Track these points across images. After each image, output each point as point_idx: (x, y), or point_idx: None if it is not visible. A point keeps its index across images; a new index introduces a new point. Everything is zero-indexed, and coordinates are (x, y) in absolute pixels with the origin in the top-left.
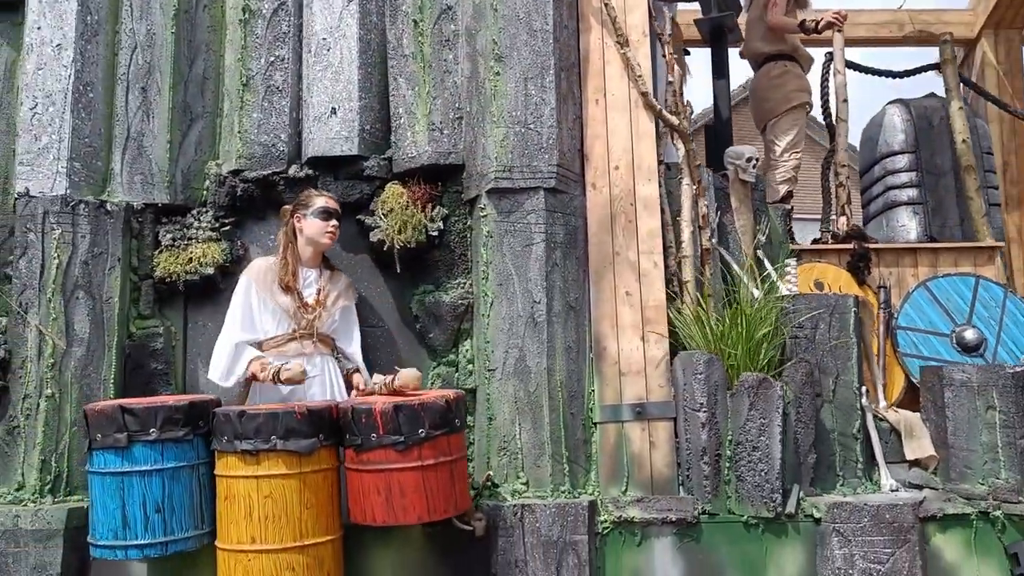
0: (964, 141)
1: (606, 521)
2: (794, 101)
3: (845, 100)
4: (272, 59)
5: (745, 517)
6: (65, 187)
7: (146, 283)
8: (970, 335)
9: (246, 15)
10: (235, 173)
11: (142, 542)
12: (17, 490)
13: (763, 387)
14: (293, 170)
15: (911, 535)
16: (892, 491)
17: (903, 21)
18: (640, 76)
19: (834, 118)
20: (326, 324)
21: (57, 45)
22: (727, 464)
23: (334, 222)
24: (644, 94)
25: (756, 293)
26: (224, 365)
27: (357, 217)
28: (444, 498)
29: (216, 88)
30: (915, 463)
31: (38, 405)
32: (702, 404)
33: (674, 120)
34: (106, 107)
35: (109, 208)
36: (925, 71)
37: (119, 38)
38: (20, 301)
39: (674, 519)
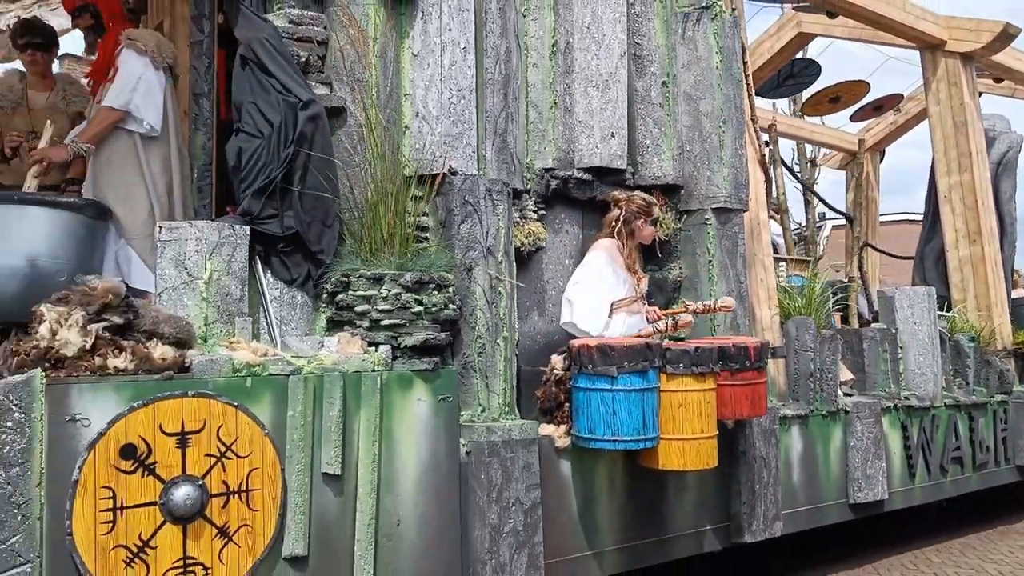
0: None
1: (777, 418)
2: None
3: None
4: (564, 87)
5: (824, 411)
6: (476, 167)
7: None
8: None
9: (554, 49)
10: (547, 170)
11: (650, 436)
12: (482, 412)
13: (833, 338)
14: (577, 173)
15: (881, 417)
16: (845, 396)
17: None
18: (767, 144)
19: None
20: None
21: (463, 48)
22: (816, 382)
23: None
24: (762, 156)
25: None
26: (602, 321)
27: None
28: (766, 401)
29: (522, 99)
30: (842, 383)
31: (495, 343)
32: (811, 347)
33: (770, 175)
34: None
35: (507, 190)
36: None
37: (484, 48)
38: (464, 261)
39: (802, 414)
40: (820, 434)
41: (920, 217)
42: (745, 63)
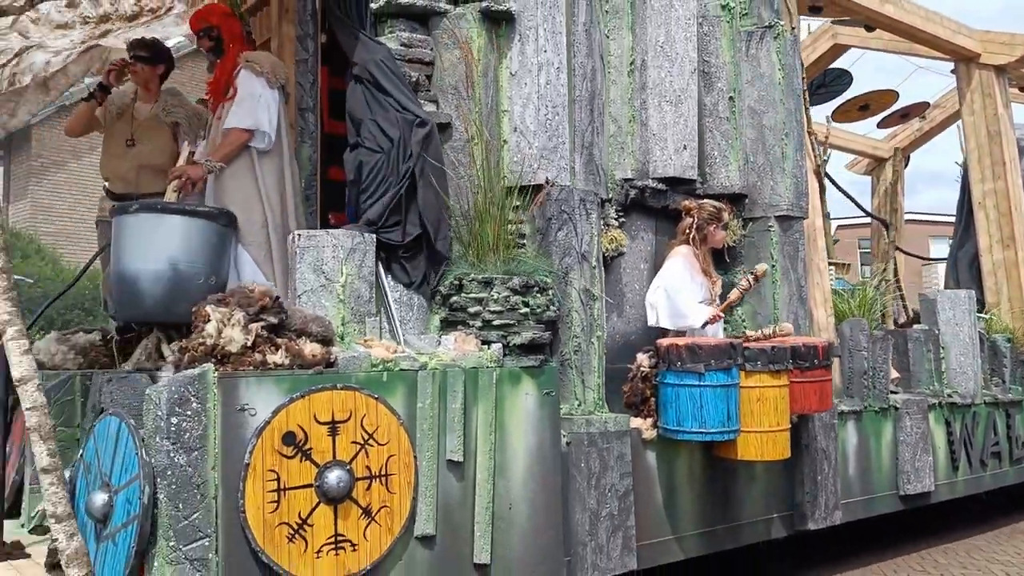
0: None
1: (836, 413)
2: None
3: None
4: (640, 102)
5: (876, 407)
6: (568, 179)
7: None
8: None
9: (631, 67)
10: (626, 180)
11: (734, 428)
12: (578, 406)
13: (885, 338)
14: (652, 183)
15: (928, 413)
16: (891, 394)
17: None
18: (821, 157)
19: None
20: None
21: (557, 68)
22: (869, 380)
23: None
24: (818, 167)
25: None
26: (691, 320)
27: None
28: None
29: (605, 114)
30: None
31: (590, 342)
32: (865, 347)
33: (824, 184)
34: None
35: (597, 200)
36: None
37: (573, 67)
38: (560, 266)
39: (857, 410)
40: (873, 429)
41: (928, 217)
42: (803, 78)
